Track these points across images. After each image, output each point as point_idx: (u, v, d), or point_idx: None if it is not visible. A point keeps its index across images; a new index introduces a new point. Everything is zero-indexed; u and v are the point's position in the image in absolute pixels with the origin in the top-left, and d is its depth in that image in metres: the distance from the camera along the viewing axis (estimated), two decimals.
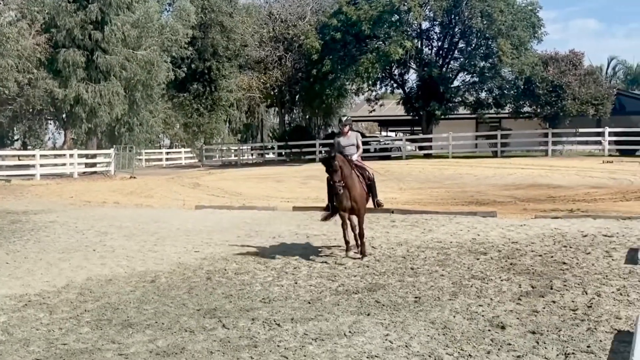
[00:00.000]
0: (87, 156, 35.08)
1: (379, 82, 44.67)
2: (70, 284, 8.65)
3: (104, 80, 34.19)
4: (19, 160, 38.99)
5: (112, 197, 22.29)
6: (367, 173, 10.50)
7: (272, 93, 49.45)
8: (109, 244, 11.90)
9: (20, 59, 30.17)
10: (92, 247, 11.54)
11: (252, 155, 51.99)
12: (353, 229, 10.40)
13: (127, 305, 7.54)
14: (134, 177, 31.90)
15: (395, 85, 46.19)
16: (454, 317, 6.67)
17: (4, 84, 30.25)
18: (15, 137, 50.05)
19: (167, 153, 51.79)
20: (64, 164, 33.15)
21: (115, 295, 7.98)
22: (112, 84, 34.18)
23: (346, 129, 10.71)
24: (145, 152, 46.49)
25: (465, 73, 42.95)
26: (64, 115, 36.81)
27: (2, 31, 28.36)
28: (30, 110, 38.15)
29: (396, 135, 61.23)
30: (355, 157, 10.48)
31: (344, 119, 11.12)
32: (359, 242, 10.37)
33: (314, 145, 43.58)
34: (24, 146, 47.38)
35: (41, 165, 30.81)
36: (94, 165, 35.02)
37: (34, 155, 31.93)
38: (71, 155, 33.16)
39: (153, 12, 36.83)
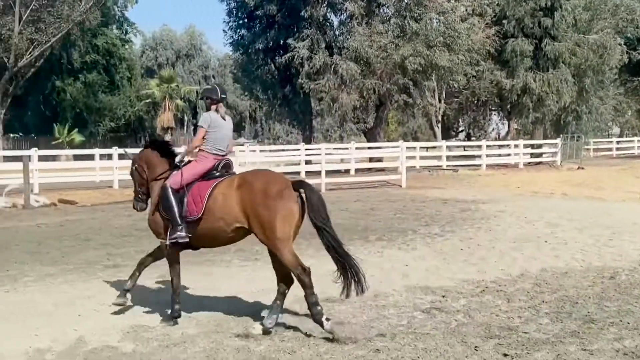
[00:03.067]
0: (532, 146, 35.00)
1: None
2: (525, 274, 8.59)
3: (552, 67, 33.99)
4: (464, 150, 41.01)
5: (559, 188, 21.72)
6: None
7: None
8: (560, 236, 11.54)
9: (470, 52, 31.63)
10: (544, 239, 11.31)
11: None
12: None
13: (586, 300, 7.24)
14: (582, 168, 30.59)
15: None
16: None
17: (454, 77, 32.12)
18: (460, 129, 53.37)
19: (617, 142, 48.37)
20: (508, 154, 33.59)
21: (573, 289, 7.69)
22: (561, 71, 33.85)
23: (212, 106, 6.59)
24: (593, 142, 44.36)
25: None
26: (508, 106, 37.62)
27: (454, 27, 30.01)
28: (475, 101, 40.04)
29: None
30: (179, 157, 6.77)
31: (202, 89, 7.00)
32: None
33: None
34: (468, 137, 50.13)
35: (487, 156, 31.75)
36: (539, 155, 34.73)
37: (480, 146, 33.07)
38: (516, 146, 33.51)
39: None
